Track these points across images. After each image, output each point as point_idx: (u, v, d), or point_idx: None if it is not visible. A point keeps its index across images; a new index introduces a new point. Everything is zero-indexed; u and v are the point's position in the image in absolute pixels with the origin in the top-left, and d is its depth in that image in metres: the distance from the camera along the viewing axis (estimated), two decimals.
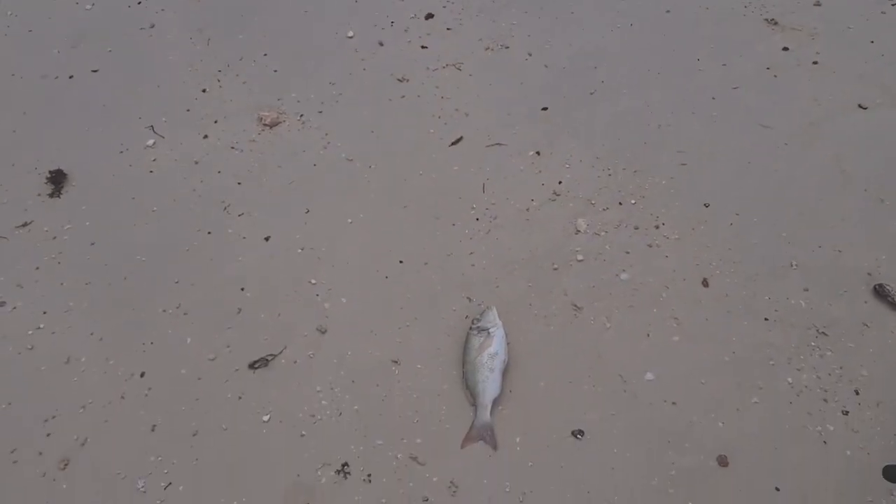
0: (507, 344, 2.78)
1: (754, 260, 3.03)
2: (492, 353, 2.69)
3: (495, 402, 2.65)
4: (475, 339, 2.75)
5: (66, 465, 2.62)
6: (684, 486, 2.41)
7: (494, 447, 2.54)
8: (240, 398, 2.79)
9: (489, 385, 2.64)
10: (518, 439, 2.58)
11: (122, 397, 2.83)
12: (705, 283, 2.97)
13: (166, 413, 2.76)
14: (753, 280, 2.95)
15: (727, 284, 2.95)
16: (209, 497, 2.53)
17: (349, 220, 3.36)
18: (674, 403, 2.62)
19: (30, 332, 3.01)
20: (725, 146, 3.54)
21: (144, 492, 2.56)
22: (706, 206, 3.25)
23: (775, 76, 3.90)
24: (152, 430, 2.72)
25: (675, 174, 3.40)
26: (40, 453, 2.65)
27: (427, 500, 2.46)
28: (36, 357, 2.93)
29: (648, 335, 2.83)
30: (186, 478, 2.59)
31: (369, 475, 2.54)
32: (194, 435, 2.70)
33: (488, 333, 2.74)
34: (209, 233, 3.38)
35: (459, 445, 2.58)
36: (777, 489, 2.38)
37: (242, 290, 3.14)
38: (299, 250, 3.27)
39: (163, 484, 2.58)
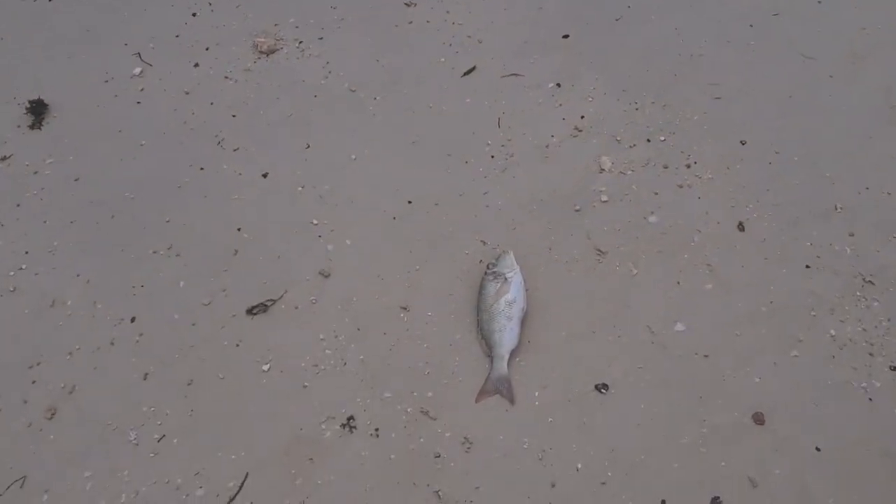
0: (526, 290, 2.57)
1: (795, 202, 2.78)
2: (509, 299, 2.48)
3: (513, 354, 2.45)
4: (491, 285, 2.53)
5: (52, 414, 2.45)
6: (717, 446, 2.24)
7: (512, 401, 2.36)
8: (237, 346, 2.60)
9: (506, 334, 2.44)
10: (537, 393, 2.40)
11: (112, 343, 2.64)
12: (741, 227, 2.73)
13: (159, 361, 2.58)
14: (794, 224, 2.71)
15: (765, 229, 2.71)
16: (205, 451, 2.37)
17: (353, 157, 3.10)
18: (706, 356, 2.42)
19: (11, 274, 2.81)
20: (763, 78, 3.24)
21: (137, 444, 2.40)
22: (742, 143, 2.98)
23: (819, 2, 3.55)
24: (144, 379, 2.54)
25: (709, 108, 3.12)
26: (25, 402, 2.48)
27: (439, 456, 2.29)
28: (19, 300, 2.73)
29: (678, 283, 2.61)
30: (181, 430, 2.42)
31: (377, 429, 2.37)
32: (189, 384, 2.52)
33: (505, 279, 2.53)
34: (202, 169, 3.13)
35: (474, 399, 2.40)
36: (818, 449, 2.20)
37: (239, 230, 2.91)
38: (300, 188, 3.03)
39: (156, 436, 2.41)
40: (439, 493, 2.22)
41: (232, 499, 2.26)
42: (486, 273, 2.59)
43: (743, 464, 2.20)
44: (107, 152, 3.23)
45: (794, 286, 2.55)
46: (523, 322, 2.51)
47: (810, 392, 2.31)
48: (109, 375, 2.56)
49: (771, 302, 2.52)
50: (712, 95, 3.16)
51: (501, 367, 2.41)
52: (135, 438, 2.41)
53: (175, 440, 2.40)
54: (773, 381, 2.35)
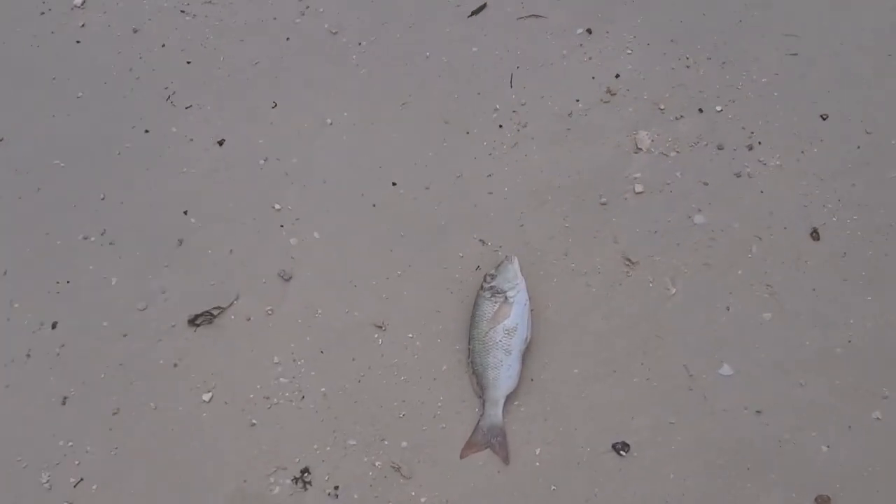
0: (531, 311, 2.02)
1: (889, 203, 2.14)
2: (509, 327, 1.95)
3: (510, 396, 1.94)
4: (487, 304, 1.99)
5: None
6: None
7: (506, 459, 1.88)
8: (175, 366, 2.13)
9: (503, 372, 1.92)
10: (538, 451, 1.90)
11: (28, 355, 2.19)
12: (815, 235, 2.11)
13: (81, 381, 2.13)
14: (885, 233, 2.09)
15: (846, 238, 2.10)
16: (128, 502, 1.94)
17: (328, 121, 2.50)
18: (758, 412, 1.89)
19: None
20: (855, 31, 2.50)
21: (49, 488, 1.98)
22: (823, 118, 2.30)
23: None
24: (63, 404, 2.10)
25: (782, 69, 2.42)
26: None
27: None
28: None
29: (728, 308, 2.03)
30: (102, 473, 1.99)
31: (336, 488, 1.91)
32: (115, 414, 2.07)
33: (506, 298, 1.98)
34: (146, 131, 2.57)
35: (458, 455, 1.91)
36: None
37: (186, 213, 2.38)
38: (261, 161, 2.46)
39: (72, 480, 1.99)
40: None
41: None
42: (482, 288, 2.04)
43: None
44: (36, 105, 2.67)
45: (880, 320, 1.97)
46: (526, 354, 1.98)
47: (895, 469, 1.78)
48: (23, 396, 2.12)
49: (849, 341, 1.95)
50: (787, 51, 2.45)
51: (495, 414, 1.91)
52: (47, 481, 1.99)
53: (94, 486, 1.98)
54: (846, 451, 1.82)
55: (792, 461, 1.82)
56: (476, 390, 1.96)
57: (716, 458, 1.84)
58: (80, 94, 2.68)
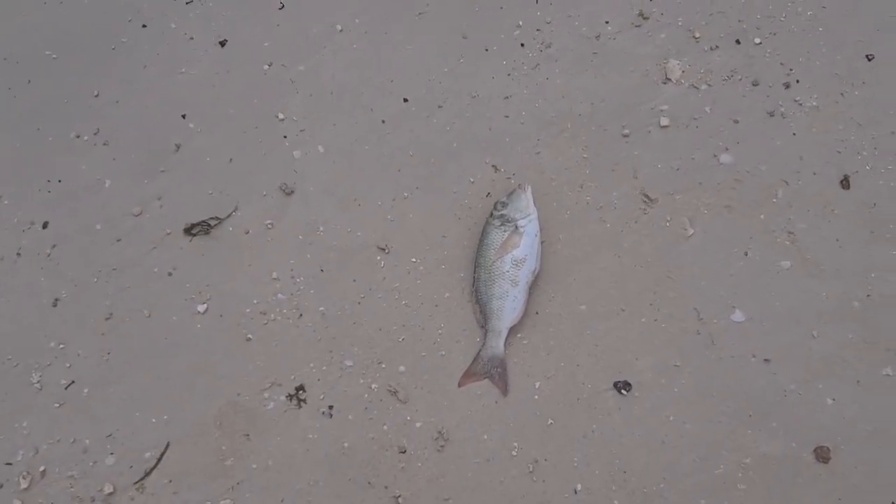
0: (542, 243, 1.94)
1: None
2: (517, 258, 1.87)
3: (513, 329, 1.89)
4: (496, 233, 1.91)
5: None
6: (760, 484, 1.73)
7: (504, 391, 1.84)
8: (170, 275, 2.06)
9: (508, 303, 1.86)
10: (538, 384, 1.87)
11: (18, 254, 2.12)
12: (845, 184, 2.01)
13: (73, 283, 2.07)
14: None
15: (878, 188, 1.99)
16: (121, 408, 1.93)
17: (338, 28, 2.34)
18: (766, 361, 1.84)
19: None
20: None
21: (39, 388, 1.96)
22: (869, 58, 2.15)
23: None
24: (54, 306, 2.05)
25: (830, 1, 2.24)
26: None
27: (405, 451, 1.82)
28: None
29: (746, 254, 1.95)
30: (94, 377, 1.96)
31: (331, 407, 1.89)
32: (107, 319, 2.02)
33: (516, 228, 1.90)
34: (144, 26, 2.41)
35: (457, 383, 1.88)
36: None
37: (184, 117, 2.26)
38: (266, 66, 2.31)
39: (63, 382, 1.96)
40: (399, 499, 1.78)
41: (147, 473, 1.85)
42: (491, 215, 1.95)
43: None
44: None
45: None
46: (532, 287, 1.91)
47: None
48: (12, 296, 2.07)
49: (868, 295, 1.88)
50: None
51: (497, 344, 1.86)
52: (38, 382, 1.96)
53: (86, 390, 1.95)
54: (852, 406, 1.78)
55: (795, 412, 1.78)
56: (479, 319, 1.91)
57: (718, 404, 1.81)
58: None
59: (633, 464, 1.77)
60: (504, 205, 1.94)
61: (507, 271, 1.87)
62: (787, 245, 1.95)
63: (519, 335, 1.91)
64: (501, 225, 1.92)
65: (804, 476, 1.72)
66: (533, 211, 1.93)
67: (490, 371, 1.86)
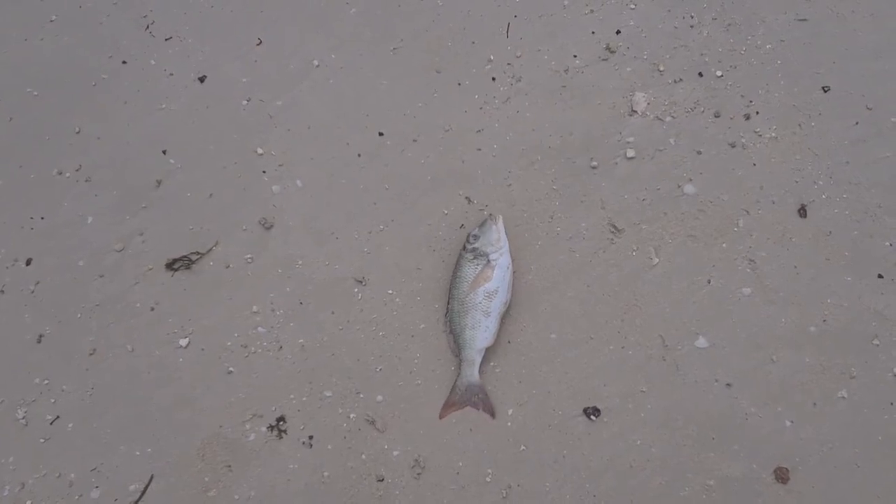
0: (513, 273, 2.01)
1: (880, 183, 2.11)
2: (489, 290, 1.94)
3: (486, 355, 1.96)
4: (469, 266, 1.98)
5: None
6: None
7: (492, 413, 1.91)
8: (152, 309, 2.11)
9: (480, 332, 1.93)
10: (511, 411, 1.94)
11: (2, 291, 2.16)
12: (802, 212, 2.10)
13: (57, 320, 2.11)
14: (873, 214, 2.08)
15: (834, 217, 2.08)
16: (105, 442, 1.97)
17: (315, 63, 2.40)
18: (728, 385, 1.92)
19: None
20: None
21: (25, 424, 2.00)
22: (825, 90, 2.24)
23: None
24: (38, 342, 2.09)
25: (788, 35, 2.33)
26: None
27: (382, 480, 1.88)
28: None
29: (709, 281, 2.04)
30: (78, 412, 2.01)
31: (311, 437, 1.94)
32: (91, 354, 2.07)
33: (488, 261, 1.96)
34: (124, 62, 2.46)
35: (431, 410, 1.95)
36: None
37: (164, 153, 2.31)
38: (244, 102, 2.37)
39: (49, 417, 2.00)
40: None
41: None
42: (464, 248, 2.02)
43: None
44: (7, 27, 2.53)
45: (857, 302, 1.98)
46: (504, 316, 1.98)
47: (854, 447, 1.83)
48: None
49: (824, 321, 1.97)
50: (797, 15, 2.36)
51: (472, 372, 1.93)
52: (23, 417, 2.00)
53: (70, 424, 2.00)
54: (809, 427, 1.86)
55: (756, 434, 1.87)
56: (452, 349, 1.97)
57: (683, 428, 1.89)
58: (53, 17, 2.55)
59: (603, 487, 1.84)
60: (476, 237, 2.01)
61: (480, 303, 1.94)
62: (747, 272, 2.04)
63: (492, 363, 1.98)
64: (474, 258, 1.99)
65: (765, 496, 1.81)
66: (504, 243, 2.00)
67: (470, 398, 1.92)
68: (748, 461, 1.84)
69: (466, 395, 1.92)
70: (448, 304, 1.99)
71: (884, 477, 1.80)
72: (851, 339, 1.94)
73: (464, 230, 2.14)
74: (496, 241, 1.99)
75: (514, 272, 2.03)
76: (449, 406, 1.93)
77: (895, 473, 1.80)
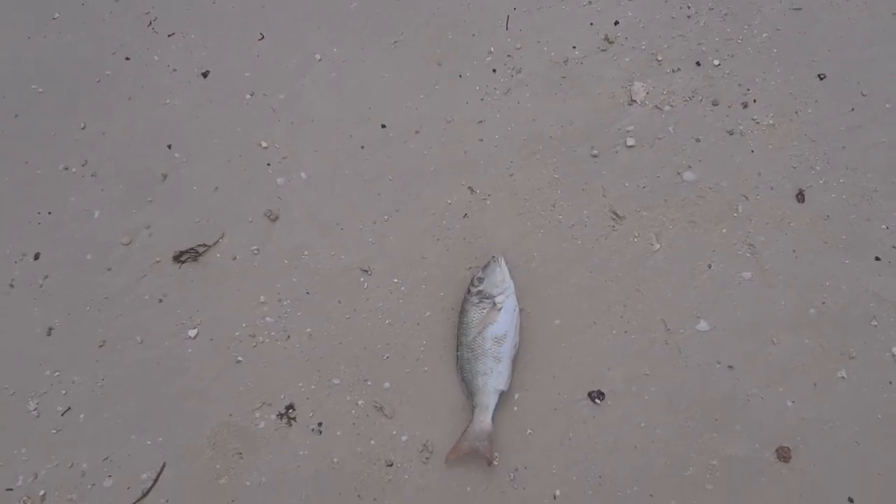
0: (520, 311, 1.99)
1: (877, 168, 2.15)
2: (498, 335, 1.91)
3: (502, 398, 1.92)
4: (475, 311, 1.94)
5: None
6: (727, 484, 1.84)
7: (489, 461, 1.87)
8: (160, 301, 2.14)
9: (492, 379, 1.89)
10: (516, 396, 1.97)
11: (11, 285, 2.18)
12: (800, 197, 2.13)
13: (66, 313, 2.14)
14: (869, 198, 2.11)
15: (831, 202, 2.12)
16: (117, 432, 2.00)
17: (317, 57, 2.43)
18: (730, 367, 1.95)
19: None
20: None
21: (37, 416, 2.02)
22: (821, 77, 2.28)
23: None
24: (48, 335, 2.12)
25: (784, 24, 2.37)
26: None
27: (392, 464, 1.91)
28: None
29: (710, 266, 2.07)
30: (89, 403, 2.03)
31: (320, 424, 1.97)
32: (101, 346, 2.10)
33: (494, 304, 1.95)
34: (127, 59, 2.48)
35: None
36: (850, 500, 1.80)
37: (170, 148, 2.34)
38: (248, 96, 2.39)
39: (60, 408, 2.03)
40: None
41: (145, 494, 1.92)
42: (468, 292, 1.98)
43: None
44: (10, 27, 2.56)
45: (855, 284, 2.01)
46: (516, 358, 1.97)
47: (854, 426, 1.86)
48: (7, 326, 2.13)
49: (823, 303, 2.00)
50: (792, 4, 2.39)
51: (484, 419, 1.88)
52: (35, 409, 2.03)
53: (82, 415, 2.02)
54: (810, 407, 1.90)
55: (758, 414, 1.90)
56: (465, 393, 1.95)
57: (686, 409, 1.92)
58: (56, 15, 2.58)
59: (608, 469, 1.87)
60: (480, 280, 1.97)
61: (490, 349, 1.90)
62: (747, 257, 2.07)
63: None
64: (479, 302, 1.95)
65: (767, 475, 1.84)
66: (509, 284, 1.96)
67: (476, 444, 1.87)
68: (751, 441, 1.88)
69: (475, 442, 1.87)
70: (457, 349, 1.96)
71: (884, 454, 1.83)
72: (850, 320, 1.97)
73: (467, 220, 2.17)
74: (501, 282, 1.96)
75: (520, 309, 1.99)
76: (457, 451, 1.88)
77: (894, 451, 1.83)
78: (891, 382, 1.90)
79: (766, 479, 1.84)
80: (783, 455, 1.85)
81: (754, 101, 2.27)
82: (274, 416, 1.98)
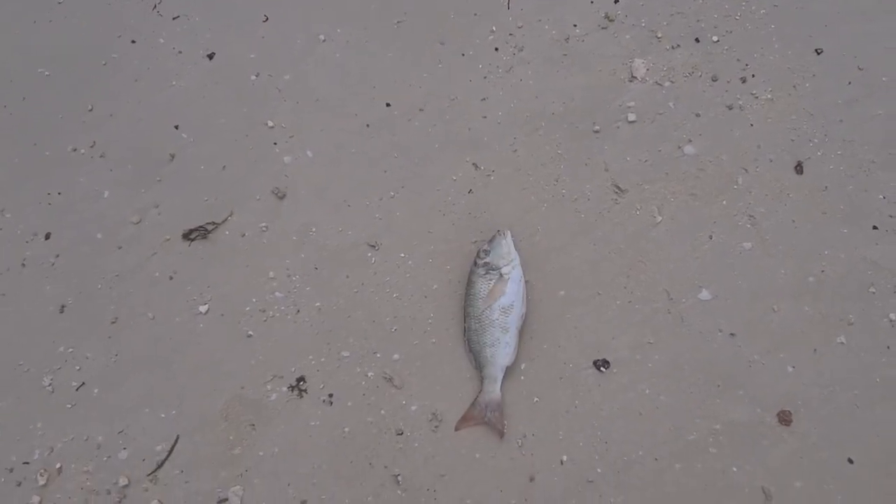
0: (526, 283, 2.03)
1: (873, 140, 2.19)
2: (505, 305, 1.95)
3: (508, 369, 1.97)
4: (482, 282, 1.98)
5: None
6: (730, 447, 1.88)
7: (501, 433, 1.92)
8: (171, 279, 2.17)
9: (500, 349, 1.94)
10: (523, 365, 2.00)
11: (23, 265, 2.21)
12: (799, 169, 2.17)
13: (78, 291, 2.17)
14: (866, 170, 2.15)
15: (829, 173, 2.16)
16: (131, 406, 2.03)
17: (321, 38, 2.46)
18: (732, 335, 1.99)
19: None
20: None
21: (52, 391, 2.06)
22: (818, 52, 2.31)
23: None
24: (61, 312, 2.15)
25: (782, 1, 2.40)
26: None
27: (402, 433, 1.95)
28: None
29: (711, 237, 2.11)
30: (103, 378, 2.06)
31: (330, 395, 2.01)
32: (113, 322, 2.13)
33: (500, 275, 1.98)
34: (133, 42, 2.51)
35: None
36: (850, 461, 1.85)
37: (177, 128, 2.36)
38: (253, 77, 2.42)
39: (74, 384, 2.06)
40: (398, 477, 1.91)
41: (160, 465, 1.96)
42: (475, 264, 2.02)
43: (759, 471, 1.85)
44: (15, 12, 2.58)
45: (853, 252, 2.05)
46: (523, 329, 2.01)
47: (853, 390, 1.91)
48: (20, 305, 2.16)
49: (822, 271, 2.04)
50: None
51: (493, 389, 1.93)
52: (49, 384, 2.06)
53: (96, 390, 2.05)
54: (810, 372, 1.94)
55: (759, 380, 1.94)
56: (473, 363, 1.99)
57: (689, 376, 1.96)
58: None
59: (614, 434, 1.92)
60: (486, 252, 2.01)
61: (497, 319, 1.95)
62: (747, 228, 2.11)
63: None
64: (486, 273, 1.99)
65: (769, 438, 1.88)
66: (515, 256, 2.00)
67: (486, 415, 1.92)
68: (752, 406, 1.92)
69: (485, 412, 1.92)
70: (465, 321, 2.00)
71: (882, 417, 1.88)
72: (848, 287, 2.02)
73: (472, 196, 2.20)
74: (507, 254, 2.00)
75: (527, 281, 2.03)
76: (466, 420, 1.93)
77: (893, 414, 1.88)
78: (889, 347, 1.94)
79: (767, 443, 1.88)
80: (784, 419, 1.90)
81: (753, 76, 2.30)
82: (285, 389, 2.02)
